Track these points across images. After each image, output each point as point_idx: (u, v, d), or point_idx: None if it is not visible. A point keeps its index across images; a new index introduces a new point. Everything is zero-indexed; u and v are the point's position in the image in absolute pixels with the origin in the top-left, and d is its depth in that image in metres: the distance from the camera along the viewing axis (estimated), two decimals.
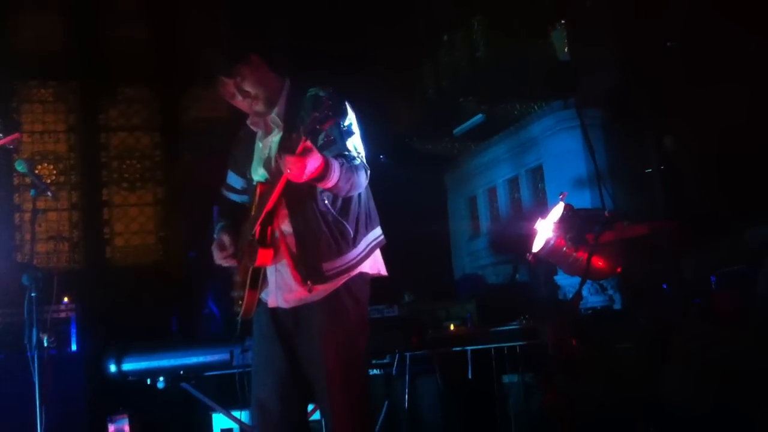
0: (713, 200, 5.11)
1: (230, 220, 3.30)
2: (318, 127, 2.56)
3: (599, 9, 6.00)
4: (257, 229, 3.00)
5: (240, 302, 3.13)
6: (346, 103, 2.85)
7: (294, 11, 8.32)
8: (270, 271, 3.09)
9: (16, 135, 3.81)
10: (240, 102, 3.12)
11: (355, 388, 3.01)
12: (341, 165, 2.81)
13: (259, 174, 3.17)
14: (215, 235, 3.28)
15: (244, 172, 3.27)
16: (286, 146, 2.68)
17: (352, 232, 3.04)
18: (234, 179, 3.36)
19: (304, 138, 2.60)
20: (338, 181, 2.80)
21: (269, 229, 3.02)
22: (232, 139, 3.36)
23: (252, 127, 3.21)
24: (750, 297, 3.74)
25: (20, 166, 4.44)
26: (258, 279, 3.08)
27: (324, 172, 2.74)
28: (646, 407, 3.66)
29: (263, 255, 3.01)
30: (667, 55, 4.82)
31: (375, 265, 3.17)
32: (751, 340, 3.34)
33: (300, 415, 3.18)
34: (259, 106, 3.13)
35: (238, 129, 3.30)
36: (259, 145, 3.20)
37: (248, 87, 3.08)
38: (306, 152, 2.64)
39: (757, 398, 3.21)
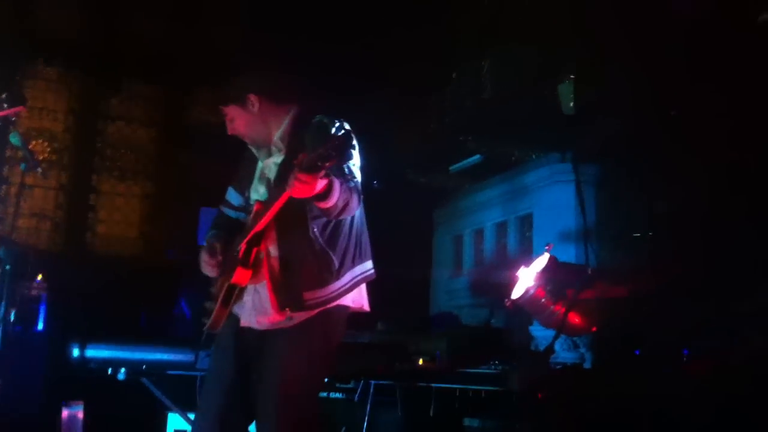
0: (695, 269, 5.14)
1: (224, 231, 3.29)
2: (319, 164, 2.54)
3: (609, 69, 6.05)
4: (242, 247, 3.00)
5: (210, 314, 3.12)
6: (353, 146, 2.82)
7: (304, 26, 8.37)
8: (248, 291, 3.08)
9: (20, 108, 3.79)
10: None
11: (303, 422, 2.97)
12: (341, 184, 2.80)
13: (260, 193, 3.17)
14: (207, 240, 3.27)
15: (244, 191, 3.28)
16: (292, 167, 2.66)
17: (336, 264, 3.02)
18: (233, 196, 3.37)
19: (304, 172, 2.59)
20: (337, 200, 2.80)
21: (254, 249, 3.01)
22: (239, 156, 3.38)
23: (252, 149, 3.24)
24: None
25: (14, 139, 4.42)
26: (231, 296, 3.07)
27: (328, 190, 2.74)
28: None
29: (240, 274, 3.01)
30: (670, 121, 4.88)
31: (358, 299, 3.16)
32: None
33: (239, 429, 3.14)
34: (250, 144, 3.20)
35: (236, 137, 3.31)
36: (260, 165, 3.21)
37: (237, 126, 3.15)
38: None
39: None
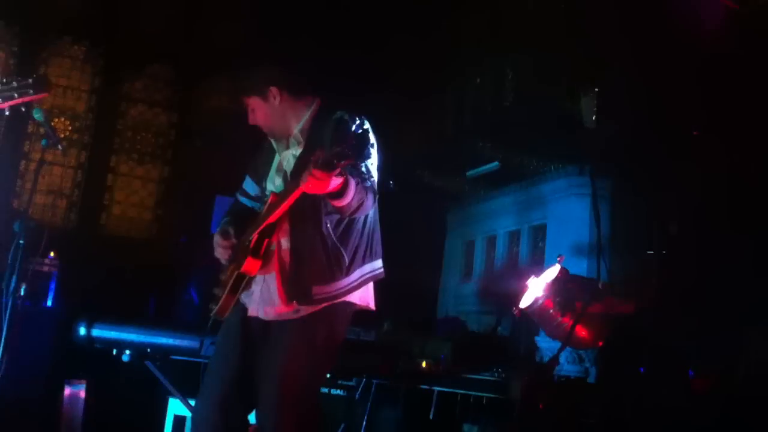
0: (703, 293, 5.11)
1: (237, 218, 3.31)
2: (335, 162, 2.54)
3: (632, 83, 6.03)
4: (254, 237, 3.01)
5: (218, 300, 3.14)
6: (371, 144, 2.83)
7: (322, 26, 8.41)
8: (257, 281, 3.09)
9: (44, 94, 3.79)
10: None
11: (304, 415, 2.99)
12: (357, 183, 2.80)
13: (276, 185, 3.18)
14: (220, 226, 3.28)
15: (260, 181, 3.29)
16: (309, 162, 2.65)
17: (347, 261, 3.03)
18: (250, 185, 3.39)
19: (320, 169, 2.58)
20: (351, 199, 2.80)
21: (266, 240, 3.02)
22: (257, 146, 3.40)
23: (271, 140, 3.25)
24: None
25: (37, 115, 4.43)
26: (240, 284, 3.09)
27: (343, 189, 2.75)
28: None
29: (250, 264, 3.02)
30: (691, 142, 4.86)
31: (365, 297, 3.17)
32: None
33: (239, 420, 3.14)
34: (269, 135, 3.21)
35: (255, 126, 3.32)
36: (277, 157, 3.23)
37: (257, 117, 3.17)
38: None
39: None
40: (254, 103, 3.15)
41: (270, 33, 8.19)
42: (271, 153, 3.26)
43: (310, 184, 2.63)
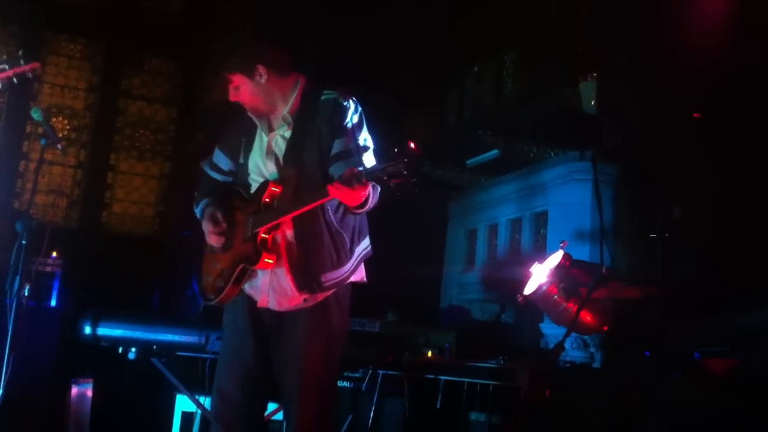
0: (708, 277, 5.11)
1: (215, 198, 3.28)
2: (385, 178, 2.54)
3: (632, 69, 6.02)
4: (261, 231, 3.00)
5: (220, 291, 3.13)
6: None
7: (328, 19, 8.38)
8: (263, 272, 3.09)
9: (35, 64, 3.77)
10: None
11: (326, 394, 3.05)
12: (374, 188, 2.80)
13: (269, 171, 3.15)
14: (204, 210, 3.26)
15: (236, 157, 3.25)
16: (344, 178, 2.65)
17: (348, 243, 3.06)
18: (222, 159, 3.33)
19: (365, 181, 2.60)
20: (370, 205, 2.87)
21: (272, 234, 3.02)
22: (233, 120, 3.35)
23: (254, 119, 3.21)
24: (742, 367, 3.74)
25: (36, 114, 4.42)
26: (244, 276, 3.08)
27: (367, 199, 2.78)
28: None
29: (265, 260, 3.01)
30: (692, 126, 4.85)
31: (358, 272, 3.20)
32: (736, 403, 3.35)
33: (260, 411, 3.18)
34: (251, 111, 3.16)
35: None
36: (263, 137, 3.18)
37: (242, 95, 3.11)
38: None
39: None
40: (239, 80, 3.09)
41: (273, 25, 8.17)
42: (251, 130, 3.22)
43: (351, 193, 2.65)
